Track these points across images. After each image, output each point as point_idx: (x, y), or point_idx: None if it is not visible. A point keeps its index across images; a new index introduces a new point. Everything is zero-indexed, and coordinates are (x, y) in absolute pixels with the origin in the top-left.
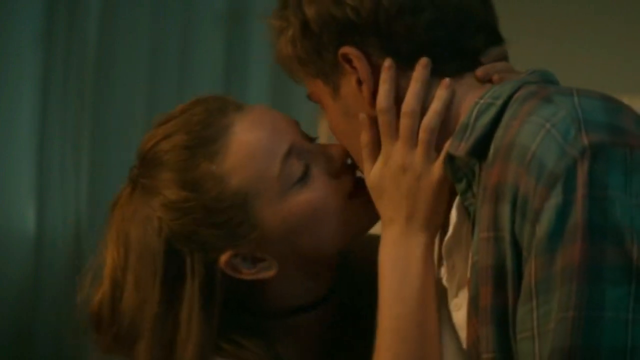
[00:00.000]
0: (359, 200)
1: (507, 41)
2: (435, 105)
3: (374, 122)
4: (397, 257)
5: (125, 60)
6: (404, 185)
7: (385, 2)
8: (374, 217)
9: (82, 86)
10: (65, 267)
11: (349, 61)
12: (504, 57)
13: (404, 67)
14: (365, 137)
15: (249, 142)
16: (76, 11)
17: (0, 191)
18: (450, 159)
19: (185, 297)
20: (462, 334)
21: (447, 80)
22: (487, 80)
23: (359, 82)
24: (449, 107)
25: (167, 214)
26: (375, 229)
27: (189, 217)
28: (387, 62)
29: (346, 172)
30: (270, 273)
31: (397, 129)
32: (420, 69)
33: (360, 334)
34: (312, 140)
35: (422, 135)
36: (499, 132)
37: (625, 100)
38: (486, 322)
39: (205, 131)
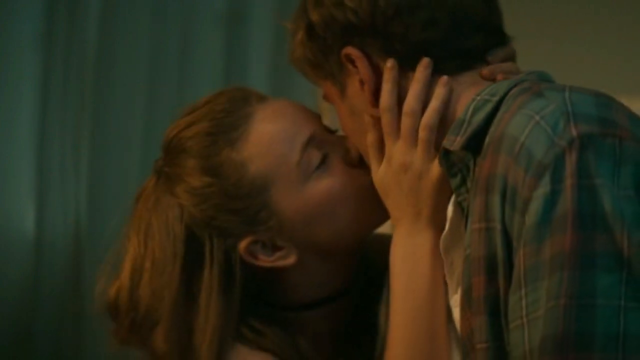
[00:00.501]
0: (376, 191)
1: (511, 40)
2: (434, 104)
3: (378, 122)
4: (405, 255)
5: (125, 60)
6: (406, 184)
7: (382, 4)
8: None
9: (82, 86)
10: (65, 267)
11: (351, 61)
12: (511, 58)
13: (405, 67)
14: (370, 137)
15: (270, 131)
16: (76, 11)
17: (0, 191)
18: (445, 154)
19: (204, 282)
20: None
21: (445, 78)
22: (491, 79)
23: (362, 83)
24: (447, 104)
25: (189, 200)
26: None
27: (209, 202)
28: (390, 63)
29: (364, 163)
30: (288, 261)
31: (399, 128)
32: (422, 70)
33: (372, 331)
34: (332, 132)
35: (421, 133)
36: (492, 127)
37: (625, 100)
38: (479, 313)
39: (227, 118)
